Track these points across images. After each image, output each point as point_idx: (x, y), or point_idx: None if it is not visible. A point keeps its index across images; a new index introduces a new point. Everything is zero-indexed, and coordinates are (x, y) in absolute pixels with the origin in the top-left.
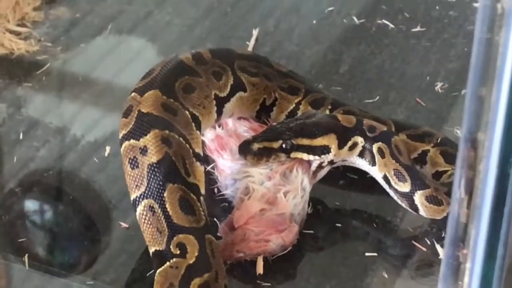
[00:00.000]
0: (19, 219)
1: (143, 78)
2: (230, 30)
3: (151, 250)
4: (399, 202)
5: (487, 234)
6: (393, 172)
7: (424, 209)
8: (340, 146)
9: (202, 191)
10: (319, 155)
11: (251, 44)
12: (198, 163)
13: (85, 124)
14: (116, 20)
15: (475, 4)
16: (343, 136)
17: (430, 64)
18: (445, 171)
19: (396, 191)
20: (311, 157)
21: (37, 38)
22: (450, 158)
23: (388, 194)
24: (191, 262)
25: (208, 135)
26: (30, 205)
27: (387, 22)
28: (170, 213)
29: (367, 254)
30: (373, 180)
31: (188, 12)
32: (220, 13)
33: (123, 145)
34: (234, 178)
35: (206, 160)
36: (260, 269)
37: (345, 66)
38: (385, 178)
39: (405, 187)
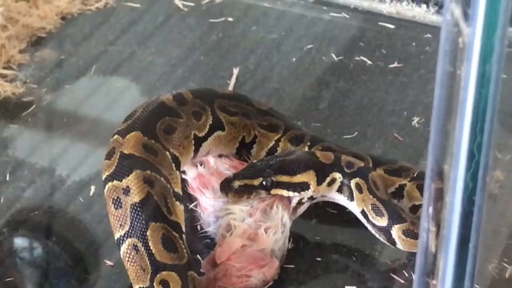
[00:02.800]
0: (7, 258)
1: (125, 120)
2: (211, 69)
3: (135, 287)
4: (377, 236)
5: (454, 265)
6: (370, 207)
7: (401, 243)
8: (319, 182)
9: (183, 229)
10: (299, 192)
11: (231, 83)
12: (178, 202)
13: (70, 163)
14: (100, 61)
15: None
16: (322, 173)
17: (407, 99)
18: (422, 205)
19: (374, 225)
20: (291, 193)
21: (22, 80)
22: None
23: (366, 228)
24: None
25: (190, 174)
26: (18, 244)
27: (365, 59)
28: (153, 251)
29: (346, 287)
30: (352, 214)
31: (170, 52)
32: (202, 53)
33: (107, 186)
34: (216, 216)
35: (189, 198)
36: None
37: (324, 103)
38: (363, 213)
39: (383, 222)
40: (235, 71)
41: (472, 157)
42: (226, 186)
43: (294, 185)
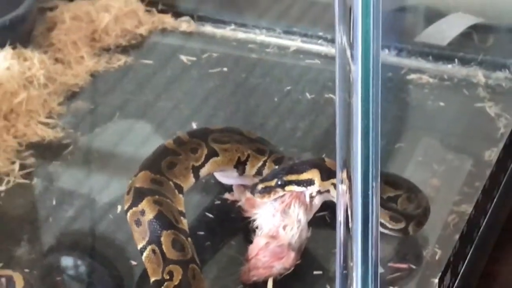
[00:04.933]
0: (60, 265)
1: (141, 165)
2: (212, 110)
3: (152, 279)
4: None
5: (361, 247)
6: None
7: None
8: (323, 179)
9: (188, 233)
10: (306, 187)
11: None
12: (182, 217)
13: (101, 189)
14: (122, 108)
15: (409, 77)
16: (326, 173)
17: None
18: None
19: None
20: (300, 188)
21: (61, 126)
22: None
23: None
24: (176, 283)
25: (242, 199)
26: (65, 257)
27: (333, 96)
28: (165, 251)
29: None
30: None
31: (178, 98)
32: (202, 97)
33: (128, 213)
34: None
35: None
36: (270, 287)
37: (300, 132)
38: None
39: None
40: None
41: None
42: (253, 189)
43: (301, 181)
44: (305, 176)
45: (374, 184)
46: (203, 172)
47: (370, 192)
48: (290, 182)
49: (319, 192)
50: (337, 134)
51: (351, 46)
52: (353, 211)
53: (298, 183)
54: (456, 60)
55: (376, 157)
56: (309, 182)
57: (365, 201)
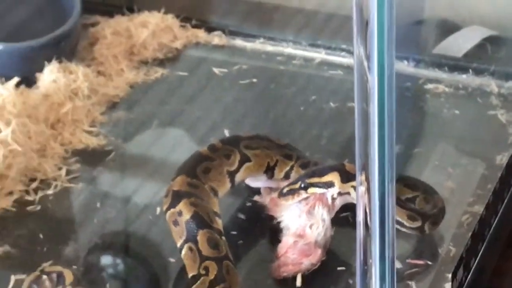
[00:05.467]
0: (105, 261)
1: (177, 170)
2: (242, 118)
3: (189, 275)
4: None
5: (379, 244)
6: None
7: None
8: (343, 181)
9: (222, 232)
10: (327, 188)
11: None
12: (217, 217)
13: (141, 193)
14: (160, 117)
15: (426, 86)
16: (345, 176)
17: None
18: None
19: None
20: (322, 190)
21: (104, 134)
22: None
23: None
24: (211, 278)
25: (267, 199)
26: (108, 255)
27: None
28: (201, 249)
29: None
30: None
31: (210, 107)
32: (234, 107)
33: (167, 214)
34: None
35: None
36: (298, 282)
37: (324, 139)
38: None
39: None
40: None
41: (382, 164)
42: (280, 193)
43: (323, 184)
44: (326, 178)
45: (390, 186)
46: (238, 177)
47: (386, 194)
48: (312, 185)
49: (339, 194)
50: (356, 139)
51: (368, 58)
52: (371, 211)
53: (320, 185)
54: (470, 70)
55: (391, 161)
56: (330, 184)
57: (381, 202)
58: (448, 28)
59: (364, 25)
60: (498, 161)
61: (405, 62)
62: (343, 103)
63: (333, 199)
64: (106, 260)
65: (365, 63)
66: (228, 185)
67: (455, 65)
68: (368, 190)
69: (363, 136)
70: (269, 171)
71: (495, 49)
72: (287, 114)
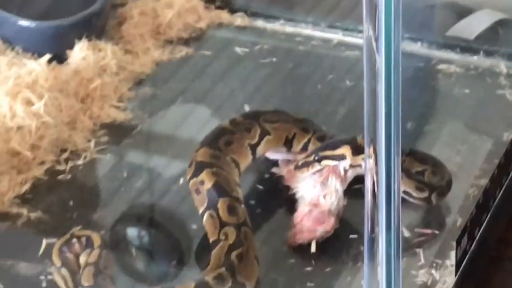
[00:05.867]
0: (131, 227)
1: (200, 142)
2: (263, 96)
3: (210, 240)
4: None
5: (385, 214)
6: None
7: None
8: (354, 154)
9: (242, 200)
10: (339, 161)
11: None
12: (237, 187)
13: (165, 164)
14: (184, 94)
15: (438, 67)
16: (356, 149)
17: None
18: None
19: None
20: (334, 162)
21: (131, 109)
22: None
23: None
24: (231, 242)
25: (283, 170)
26: (134, 221)
27: None
28: (221, 215)
29: None
30: None
31: (233, 85)
32: (255, 85)
33: (190, 183)
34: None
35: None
36: (313, 248)
37: (340, 116)
38: None
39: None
40: None
41: (388, 139)
42: (295, 165)
43: (335, 156)
44: (338, 151)
45: (396, 159)
46: (259, 150)
47: (392, 166)
48: (325, 157)
49: (351, 166)
50: (365, 115)
51: (376, 39)
52: (378, 182)
53: (332, 158)
54: (481, 52)
55: (397, 136)
56: (342, 157)
57: (388, 174)
58: (460, 11)
59: (373, 7)
60: (505, 138)
61: (419, 43)
62: (358, 81)
63: (345, 171)
64: (131, 226)
65: (374, 44)
66: (249, 157)
67: (467, 47)
68: (376, 162)
69: (372, 112)
70: (288, 144)
71: (505, 32)
72: (305, 91)
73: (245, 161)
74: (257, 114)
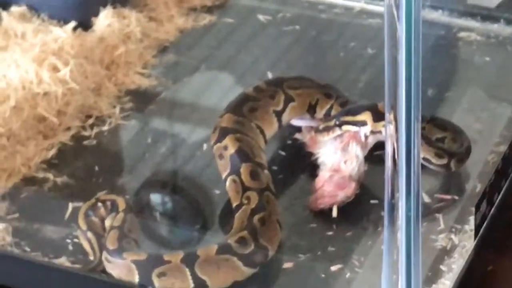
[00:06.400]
0: (155, 192)
1: (224, 109)
2: (286, 63)
3: (233, 205)
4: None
5: (405, 179)
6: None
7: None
8: (375, 120)
9: (265, 166)
10: (359, 127)
11: None
12: (261, 152)
13: (189, 131)
14: (207, 61)
15: (459, 35)
16: (377, 116)
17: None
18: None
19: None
20: (355, 128)
21: (155, 76)
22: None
23: None
24: (253, 206)
25: (306, 137)
26: (156, 185)
27: None
28: (244, 180)
29: None
30: None
31: (256, 53)
32: (278, 52)
33: (214, 148)
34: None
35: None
36: (334, 213)
37: (361, 82)
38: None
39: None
40: None
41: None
42: (316, 129)
43: (356, 122)
44: (359, 117)
45: (415, 125)
46: (285, 117)
47: (412, 132)
48: (346, 123)
49: (372, 132)
50: (386, 82)
51: (397, 7)
52: (398, 148)
53: (353, 123)
54: (502, 20)
55: (417, 102)
56: (363, 123)
57: (408, 140)
58: None
59: None
60: None
61: (440, 11)
62: (380, 49)
63: (366, 137)
64: (155, 191)
65: (395, 12)
66: (275, 125)
67: (488, 15)
68: (396, 129)
69: (393, 80)
70: (311, 110)
71: None
72: (327, 59)
73: (271, 127)
74: (281, 81)
